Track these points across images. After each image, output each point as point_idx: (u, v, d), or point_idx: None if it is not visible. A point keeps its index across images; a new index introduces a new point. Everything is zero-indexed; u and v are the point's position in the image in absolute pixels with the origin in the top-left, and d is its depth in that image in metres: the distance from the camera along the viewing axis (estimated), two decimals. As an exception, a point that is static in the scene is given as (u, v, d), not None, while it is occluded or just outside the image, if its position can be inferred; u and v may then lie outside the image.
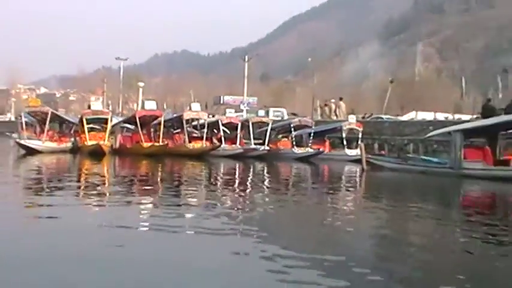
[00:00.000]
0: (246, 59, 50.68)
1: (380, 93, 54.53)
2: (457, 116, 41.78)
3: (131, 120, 29.50)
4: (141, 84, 51.41)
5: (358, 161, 25.00)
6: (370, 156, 23.72)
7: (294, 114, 43.02)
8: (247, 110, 43.03)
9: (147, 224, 8.14)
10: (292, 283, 4.77)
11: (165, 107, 50.41)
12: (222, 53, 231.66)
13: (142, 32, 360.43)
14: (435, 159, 22.37)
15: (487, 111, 23.61)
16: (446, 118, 38.38)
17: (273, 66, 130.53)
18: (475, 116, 31.68)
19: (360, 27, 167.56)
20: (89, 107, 30.76)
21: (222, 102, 53.62)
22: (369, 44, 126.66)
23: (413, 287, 5.38)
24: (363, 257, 6.36)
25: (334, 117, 35.24)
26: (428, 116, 42.56)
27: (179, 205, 10.48)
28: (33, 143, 26.73)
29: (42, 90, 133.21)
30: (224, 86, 75.67)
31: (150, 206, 10.24)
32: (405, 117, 42.16)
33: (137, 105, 47.18)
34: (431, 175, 20.28)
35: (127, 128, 30.84)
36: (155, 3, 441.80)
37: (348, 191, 15.63)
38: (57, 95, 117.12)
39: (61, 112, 46.09)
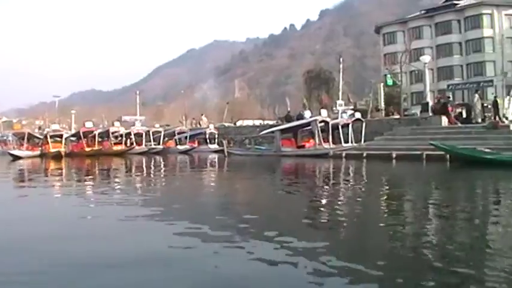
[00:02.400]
0: (138, 93, 66.65)
1: (218, 110, 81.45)
2: (265, 122, 60.28)
3: (77, 134, 44.87)
4: (73, 111, 64.68)
5: (216, 151, 41.26)
6: (227, 147, 37.16)
7: (168, 125, 58.74)
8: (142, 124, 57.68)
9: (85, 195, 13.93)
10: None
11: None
12: (116, 89, 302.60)
13: (62, 75, 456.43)
14: (263, 147, 37.75)
15: (288, 118, 41.28)
16: (260, 124, 54.95)
17: (150, 96, 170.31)
18: (275, 121, 50.94)
19: (201, 71, 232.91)
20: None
21: (122, 120, 66.10)
22: (207, 81, 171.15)
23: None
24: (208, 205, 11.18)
25: (199, 125, 52.33)
26: (249, 122, 60.93)
27: (109, 182, 17.77)
28: (18, 152, 40.65)
29: (4, 118, 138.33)
30: (118, 110, 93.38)
31: (91, 184, 16.95)
32: (237, 124, 59.88)
33: (71, 125, 60.54)
34: (265, 156, 32.62)
35: (74, 139, 45.09)
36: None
37: (219, 168, 25.95)
38: (14, 121, 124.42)
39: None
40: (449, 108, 31.01)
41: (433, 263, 5.59)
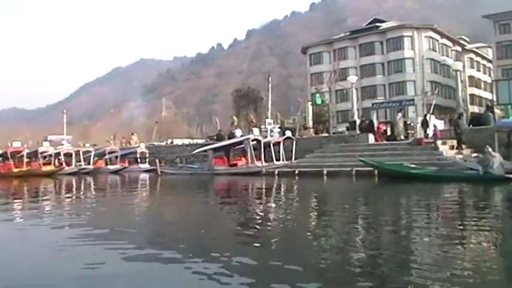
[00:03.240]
0: (65, 111, 65.85)
1: (147, 130, 79.51)
2: (194, 141, 59.92)
3: (4, 154, 43.54)
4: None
5: (147, 171, 40.85)
6: (159, 166, 37.19)
7: (95, 145, 56.06)
8: (69, 144, 55.37)
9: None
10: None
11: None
12: (40, 108, 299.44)
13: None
14: (196, 166, 37.78)
15: (220, 137, 41.61)
16: (190, 142, 53.93)
17: (76, 115, 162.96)
18: (204, 140, 50.88)
19: (128, 89, 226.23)
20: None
21: (48, 140, 63.32)
22: (134, 100, 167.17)
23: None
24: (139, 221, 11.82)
25: (129, 145, 51.21)
26: (178, 141, 58.10)
27: (38, 205, 16.59)
28: None
29: None
30: (43, 130, 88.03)
31: (19, 207, 16.18)
32: (170, 142, 58.31)
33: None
34: (198, 175, 32.67)
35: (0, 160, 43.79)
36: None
37: (152, 187, 25.37)
38: None
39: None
40: (380, 127, 32.21)
41: (359, 275, 5.75)
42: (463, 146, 25.30)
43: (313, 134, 40.42)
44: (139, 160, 45.12)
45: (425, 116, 32.82)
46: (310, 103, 51.92)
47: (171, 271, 6.25)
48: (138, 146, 47.36)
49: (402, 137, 29.02)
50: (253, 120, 62.82)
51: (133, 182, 29.92)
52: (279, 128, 46.52)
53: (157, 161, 37.91)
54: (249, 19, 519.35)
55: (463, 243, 7.56)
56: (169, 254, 7.12)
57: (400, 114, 31.52)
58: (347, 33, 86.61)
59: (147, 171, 41.13)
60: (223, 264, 6.40)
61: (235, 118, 66.41)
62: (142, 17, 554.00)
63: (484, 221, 10.13)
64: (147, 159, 45.05)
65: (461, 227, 9.30)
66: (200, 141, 57.12)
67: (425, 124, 30.59)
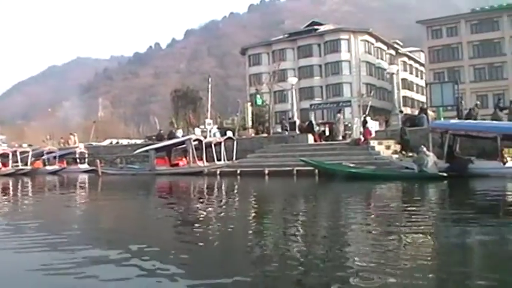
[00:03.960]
0: None
1: (83, 130, 77.16)
2: (132, 141, 59.24)
3: None
4: None
5: (87, 171, 40.07)
6: (100, 167, 35.71)
7: (31, 145, 55.39)
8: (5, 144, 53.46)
9: None
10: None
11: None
12: None
13: None
14: (137, 166, 36.49)
15: (160, 137, 41.38)
16: (128, 143, 53.57)
17: (8, 115, 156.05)
18: (143, 140, 50.49)
19: (63, 89, 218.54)
20: None
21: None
22: (70, 99, 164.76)
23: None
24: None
25: (68, 145, 49.77)
26: (124, 141, 58.35)
27: None
28: None
29: None
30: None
31: None
32: (105, 143, 57.71)
33: None
34: (139, 175, 32.15)
35: None
36: None
37: (93, 188, 24.24)
38: None
39: None
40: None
41: (298, 275, 5.79)
42: (409, 154, 26.07)
43: (253, 135, 40.81)
44: (78, 160, 44.11)
45: (365, 117, 33.80)
46: (249, 104, 52.39)
47: (106, 272, 6.11)
48: (77, 146, 46.36)
49: (340, 138, 29.76)
50: (192, 121, 62.86)
51: (73, 183, 28.91)
52: (217, 128, 46.78)
53: (98, 161, 37.15)
54: (188, 19, 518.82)
55: (399, 238, 7.81)
56: (107, 255, 7.01)
57: (339, 115, 32.29)
58: (286, 35, 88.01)
59: (86, 171, 40.35)
60: (159, 265, 6.33)
61: (173, 118, 66.32)
62: (79, 15, 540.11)
63: (419, 216, 10.70)
64: (86, 160, 44.15)
65: (398, 223, 9.63)
66: (139, 141, 56.44)
67: (364, 125, 31.55)
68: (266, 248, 7.65)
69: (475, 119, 25.89)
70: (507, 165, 20.02)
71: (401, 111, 30.13)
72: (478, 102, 32.23)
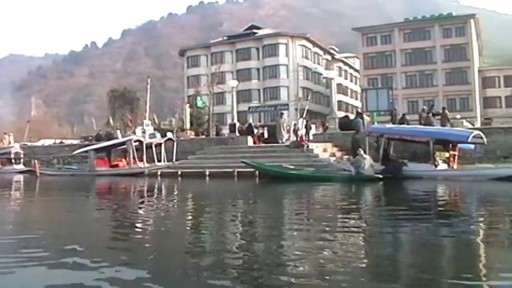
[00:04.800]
0: None
1: (16, 129, 73.63)
2: (68, 141, 57.17)
3: None
4: None
5: (22, 172, 38.52)
6: (38, 167, 33.65)
7: None
8: None
9: None
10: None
11: None
12: None
13: None
14: (75, 167, 35.52)
15: (99, 137, 40.88)
16: (61, 142, 52.89)
17: None
18: (79, 141, 49.68)
19: None
20: None
21: None
22: (3, 97, 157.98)
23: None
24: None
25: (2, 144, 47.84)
26: (51, 141, 56.88)
27: None
28: None
29: None
30: None
31: None
32: (40, 143, 56.48)
33: None
34: (78, 176, 31.25)
35: None
36: None
37: (30, 189, 23.92)
38: None
39: None
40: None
41: (232, 274, 5.87)
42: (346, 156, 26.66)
43: (191, 136, 40.92)
44: (13, 161, 42.74)
45: (307, 121, 34.50)
46: (188, 105, 52.46)
47: (37, 273, 6.04)
48: (12, 146, 44.87)
49: (284, 140, 30.10)
50: (130, 121, 62.22)
51: (7, 184, 27.62)
52: (154, 129, 46.53)
53: (35, 161, 36.09)
54: (125, 19, 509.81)
55: (335, 236, 8.32)
56: (40, 257, 6.90)
57: (280, 118, 32.31)
58: (225, 38, 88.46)
59: (22, 172, 39.17)
60: (94, 265, 6.34)
61: (111, 119, 65.47)
62: (12, 10, 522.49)
63: (355, 214, 11.40)
64: (21, 160, 42.84)
65: (335, 222, 10.21)
66: (75, 141, 55.05)
67: (308, 128, 32.30)
68: (202, 248, 7.80)
69: (408, 124, 27.15)
70: (438, 167, 21.19)
71: (361, 116, 30.70)
72: (425, 107, 33.24)
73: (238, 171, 25.09)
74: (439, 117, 28.74)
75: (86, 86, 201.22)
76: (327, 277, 5.55)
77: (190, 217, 12.27)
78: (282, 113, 33.14)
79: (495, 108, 73.19)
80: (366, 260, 6.61)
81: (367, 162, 20.96)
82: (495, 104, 74.55)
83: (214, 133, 40.29)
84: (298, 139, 28.46)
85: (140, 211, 13.43)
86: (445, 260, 6.74)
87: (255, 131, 34.53)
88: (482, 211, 11.91)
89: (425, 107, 33.15)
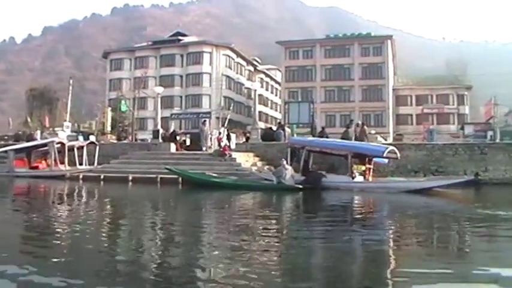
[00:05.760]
0: None
1: None
2: None
3: None
4: None
5: None
6: None
7: None
8: None
9: None
10: None
11: None
12: None
13: None
14: None
15: (18, 137, 39.61)
16: None
17: None
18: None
19: None
20: None
21: None
22: None
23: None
24: None
25: None
26: None
27: None
28: None
29: None
30: None
31: None
32: None
33: None
34: None
35: None
36: None
37: None
38: None
39: None
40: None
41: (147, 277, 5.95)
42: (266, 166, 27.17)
43: (111, 140, 40.56)
44: None
45: (228, 130, 35.03)
46: (110, 109, 52.06)
47: None
48: None
49: (207, 148, 30.36)
50: (48, 122, 60.77)
51: None
52: (74, 132, 45.83)
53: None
54: (47, 15, 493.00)
55: (253, 244, 8.56)
56: None
57: (204, 126, 32.52)
58: (150, 43, 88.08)
59: None
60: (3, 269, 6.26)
61: (29, 118, 63.75)
62: None
63: (275, 222, 12.08)
64: None
65: (253, 230, 10.50)
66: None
67: (228, 136, 32.87)
68: (115, 253, 7.80)
69: (327, 137, 28.33)
70: (355, 179, 22.39)
71: (282, 128, 31.39)
72: (359, 122, 34.41)
73: (161, 177, 25.23)
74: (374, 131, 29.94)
75: (2, 83, 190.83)
76: (241, 282, 5.65)
77: (107, 222, 12.15)
78: (205, 121, 33.48)
79: (406, 125, 76.95)
80: (280, 266, 6.90)
81: (289, 172, 21.80)
82: (406, 121, 78.35)
83: (134, 138, 40.16)
84: (222, 148, 28.90)
85: (57, 214, 13.32)
86: (356, 265, 7.26)
87: (178, 137, 34.77)
88: (393, 220, 12.96)
89: (359, 122, 34.29)
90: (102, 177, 27.41)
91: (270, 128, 35.52)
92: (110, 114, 49.51)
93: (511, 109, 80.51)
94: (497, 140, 36.04)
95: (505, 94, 71.61)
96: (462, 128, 61.67)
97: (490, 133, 47.82)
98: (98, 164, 31.43)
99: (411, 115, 78.98)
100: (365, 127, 30.82)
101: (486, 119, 65.84)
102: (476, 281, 5.96)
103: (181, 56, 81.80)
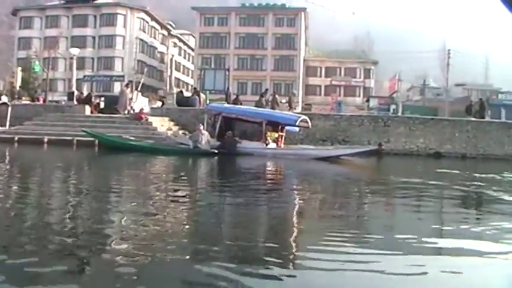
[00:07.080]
0: None
1: None
2: None
3: None
4: None
5: None
6: None
7: None
8: None
9: None
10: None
11: None
12: None
13: None
14: None
15: None
16: None
17: None
18: None
19: None
20: None
21: None
22: None
23: None
24: None
25: None
26: None
27: None
28: None
29: None
30: None
31: None
32: None
33: None
34: None
35: None
36: None
37: None
38: None
39: None
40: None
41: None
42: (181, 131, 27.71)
43: (23, 102, 39.63)
44: None
45: (162, 97, 34.94)
46: (19, 68, 50.56)
47: None
48: None
49: (126, 112, 30.31)
50: None
51: None
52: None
53: None
54: None
55: (165, 207, 8.35)
56: None
57: (126, 89, 32.25)
58: (62, 2, 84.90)
59: None
60: None
61: None
62: None
63: (189, 186, 12.44)
64: None
65: (167, 193, 10.50)
66: None
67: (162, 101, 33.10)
68: (21, 219, 6.83)
69: (241, 104, 29.49)
70: (269, 146, 23.74)
71: (197, 94, 31.93)
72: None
73: (77, 140, 25.34)
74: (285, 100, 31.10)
75: None
76: (150, 246, 5.36)
77: (16, 185, 10.96)
78: (128, 84, 33.55)
79: (315, 95, 79.80)
80: (189, 230, 6.77)
81: (205, 137, 22.72)
82: (315, 91, 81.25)
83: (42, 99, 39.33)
84: (138, 112, 29.26)
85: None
86: (263, 227, 7.46)
87: (93, 100, 34.61)
88: (303, 185, 14.07)
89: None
90: (16, 138, 26.79)
91: (181, 91, 35.96)
92: (20, 74, 48.04)
93: (413, 85, 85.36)
94: (399, 114, 38.84)
95: (407, 71, 75.26)
96: (367, 101, 65.11)
97: (393, 107, 51.21)
98: (10, 125, 30.89)
99: (320, 86, 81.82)
100: (276, 96, 32.25)
101: (390, 93, 69.54)
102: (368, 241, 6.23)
103: (95, 16, 79.88)
